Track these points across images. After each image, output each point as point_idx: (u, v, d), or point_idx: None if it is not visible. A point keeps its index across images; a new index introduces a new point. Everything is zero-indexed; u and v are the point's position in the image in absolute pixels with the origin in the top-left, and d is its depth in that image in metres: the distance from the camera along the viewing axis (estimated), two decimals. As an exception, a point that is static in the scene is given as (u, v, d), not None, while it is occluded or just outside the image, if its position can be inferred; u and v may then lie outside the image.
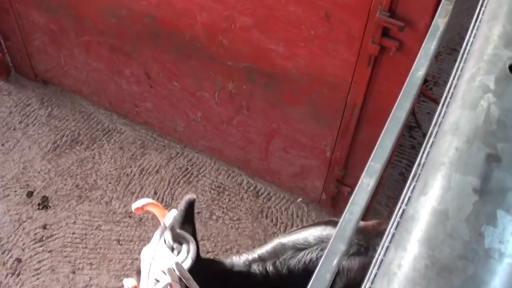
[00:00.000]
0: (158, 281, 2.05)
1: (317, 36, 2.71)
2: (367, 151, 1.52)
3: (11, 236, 3.53)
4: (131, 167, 3.85)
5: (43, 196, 3.71)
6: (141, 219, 3.61)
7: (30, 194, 3.71)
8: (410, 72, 1.87)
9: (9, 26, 3.88)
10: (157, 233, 2.14)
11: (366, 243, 2.22)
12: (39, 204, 3.67)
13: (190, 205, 2.28)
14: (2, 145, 3.94)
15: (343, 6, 2.54)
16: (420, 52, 1.97)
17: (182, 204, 2.25)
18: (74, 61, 3.77)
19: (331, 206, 3.47)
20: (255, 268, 2.27)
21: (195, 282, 2.05)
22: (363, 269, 2.15)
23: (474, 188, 0.97)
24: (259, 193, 3.72)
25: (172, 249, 2.13)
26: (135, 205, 2.10)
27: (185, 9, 2.98)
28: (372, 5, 2.46)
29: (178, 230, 2.20)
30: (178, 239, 2.19)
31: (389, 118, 1.64)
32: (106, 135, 4.00)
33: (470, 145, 1.00)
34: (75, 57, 3.73)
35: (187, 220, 2.26)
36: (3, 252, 3.45)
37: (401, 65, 2.59)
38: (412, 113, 3.87)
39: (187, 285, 2.04)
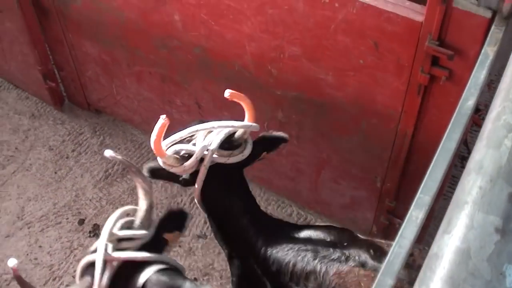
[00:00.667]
0: (194, 144, 2.36)
1: (366, 66, 2.75)
2: (419, 182, 1.55)
3: (62, 263, 3.66)
4: (181, 196, 3.95)
5: (94, 224, 3.84)
6: (191, 248, 3.69)
7: (81, 222, 3.85)
8: (460, 102, 1.90)
9: (63, 56, 4.06)
10: (234, 122, 2.42)
11: (349, 253, 2.29)
12: (90, 232, 3.80)
13: (280, 139, 2.53)
14: (55, 173, 4.10)
15: (391, 36, 2.58)
16: (469, 82, 1.99)
17: (276, 132, 2.52)
18: (126, 91, 3.91)
19: (382, 238, 3.47)
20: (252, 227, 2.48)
21: (202, 174, 2.36)
22: (339, 276, 2.22)
23: (496, 228, 1.00)
24: (310, 224, 3.75)
25: (228, 143, 2.40)
26: (231, 91, 2.38)
27: (234, 40, 3.07)
28: (421, 34, 2.49)
29: (248, 138, 2.45)
30: (240, 142, 2.43)
31: (438, 149, 1.67)
32: (157, 164, 4.11)
33: (493, 185, 1.04)
34: (127, 87, 3.87)
35: (263, 144, 2.52)
36: (54, 279, 3.59)
37: (451, 94, 2.61)
38: (464, 142, 3.85)
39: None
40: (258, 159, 2.55)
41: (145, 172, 2.41)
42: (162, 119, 2.23)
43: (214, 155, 2.36)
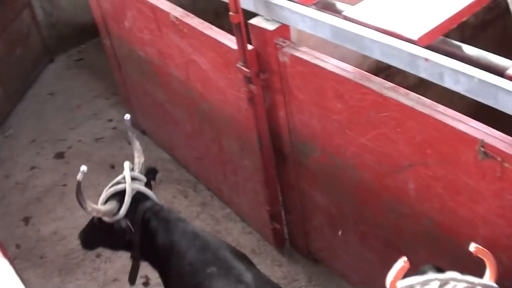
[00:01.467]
0: None
1: None
2: None
3: None
4: None
5: None
6: None
7: None
8: None
9: (292, 201, 4.39)
10: (474, 278, 2.52)
11: None
12: None
13: None
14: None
15: None
16: None
17: None
18: (347, 247, 4.08)
19: None
20: None
21: None
22: None
23: None
24: None
25: None
26: (477, 245, 2.50)
27: (466, 218, 3.12)
28: None
29: None
30: None
31: None
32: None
33: None
34: (349, 243, 4.04)
35: None
36: None
37: None
38: None
39: None
40: None
41: None
42: (403, 262, 2.46)
43: None
